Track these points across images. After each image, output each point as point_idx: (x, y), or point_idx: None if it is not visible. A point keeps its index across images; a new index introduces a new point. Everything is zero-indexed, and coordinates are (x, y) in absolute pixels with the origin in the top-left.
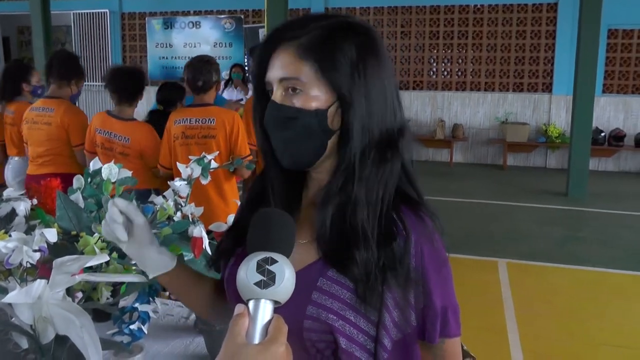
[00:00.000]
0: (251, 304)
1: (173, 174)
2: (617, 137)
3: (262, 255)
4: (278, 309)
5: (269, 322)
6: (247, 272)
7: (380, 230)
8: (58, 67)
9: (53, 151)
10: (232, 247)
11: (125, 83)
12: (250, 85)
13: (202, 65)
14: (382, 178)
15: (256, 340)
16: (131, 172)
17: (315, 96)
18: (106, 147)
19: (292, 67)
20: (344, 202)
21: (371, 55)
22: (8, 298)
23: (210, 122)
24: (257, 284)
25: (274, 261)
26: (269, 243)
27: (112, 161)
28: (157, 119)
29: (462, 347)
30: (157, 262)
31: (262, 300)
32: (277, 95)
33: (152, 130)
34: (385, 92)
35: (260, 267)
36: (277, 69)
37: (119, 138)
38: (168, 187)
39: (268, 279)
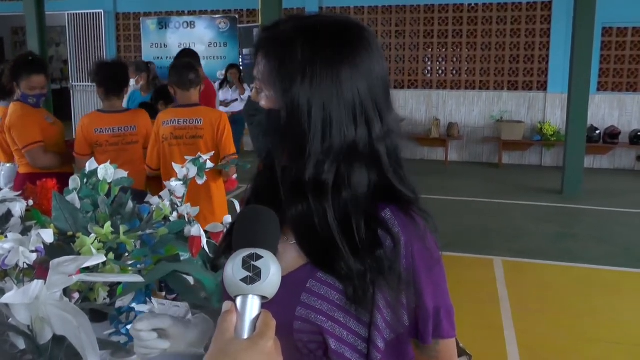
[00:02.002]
0: (239, 300)
1: (161, 175)
2: (611, 135)
3: (247, 251)
4: (269, 310)
5: (257, 317)
6: (233, 269)
7: (364, 235)
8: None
9: (17, 153)
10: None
11: (111, 76)
12: (246, 86)
13: (189, 64)
14: (339, 186)
15: (245, 336)
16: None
17: (271, 97)
18: (111, 143)
19: (258, 68)
20: (298, 209)
21: (328, 59)
22: (5, 299)
23: (198, 122)
24: (244, 280)
25: (259, 257)
26: (254, 239)
27: (123, 156)
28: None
29: (458, 344)
30: (200, 333)
31: (250, 296)
32: (253, 92)
33: (147, 114)
34: (342, 98)
35: (246, 264)
36: (255, 69)
37: (126, 129)
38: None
39: (254, 275)
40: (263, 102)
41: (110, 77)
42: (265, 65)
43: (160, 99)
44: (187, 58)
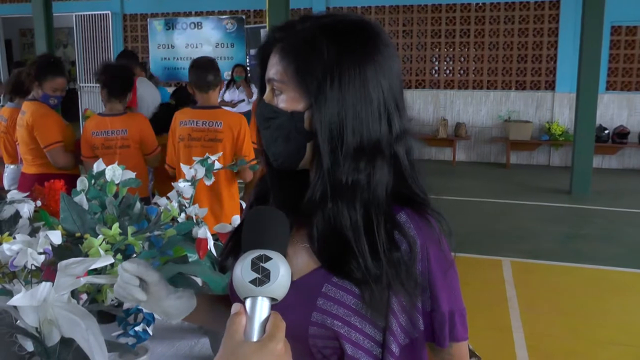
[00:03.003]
0: (248, 302)
1: (176, 175)
2: (620, 135)
3: (256, 253)
4: (283, 316)
5: (267, 319)
6: (242, 271)
7: (380, 237)
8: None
9: (31, 153)
10: (237, 249)
11: (115, 78)
12: (252, 86)
13: (209, 63)
14: (364, 187)
15: (254, 338)
16: (135, 164)
17: (294, 98)
18: (106, 146)
19: (275, 68)
20: (325, 211)
21: (354, 58)
22: (13, 301)
23: (218, 125)
24: (253, 281)
25: (268, 258)
26: (262, 241)
27: (116, 160)
28: (165, 111)
29: (468, 346)
30: (179, 307)
31: (259, 298)
32: (267, 94)
33: (145, 118)
34: (369, 97)
35: (255, 265)
36: (269, 70)
37: (117, 132)
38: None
39: (263, 277)
40: (283, 104)
41: (114, 79)
42: (287, 65)
43: (184, 102)
44: (125, 59)
